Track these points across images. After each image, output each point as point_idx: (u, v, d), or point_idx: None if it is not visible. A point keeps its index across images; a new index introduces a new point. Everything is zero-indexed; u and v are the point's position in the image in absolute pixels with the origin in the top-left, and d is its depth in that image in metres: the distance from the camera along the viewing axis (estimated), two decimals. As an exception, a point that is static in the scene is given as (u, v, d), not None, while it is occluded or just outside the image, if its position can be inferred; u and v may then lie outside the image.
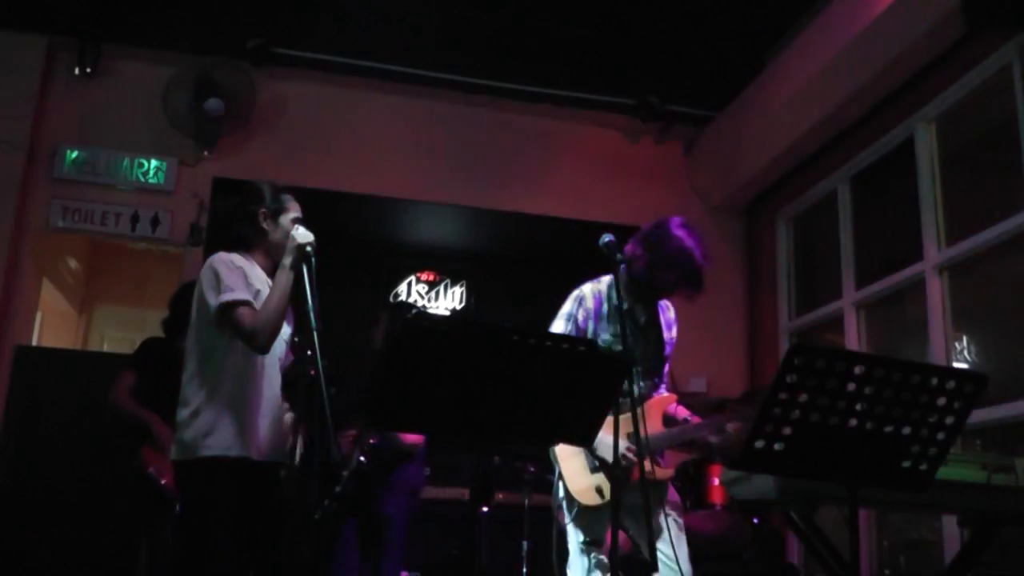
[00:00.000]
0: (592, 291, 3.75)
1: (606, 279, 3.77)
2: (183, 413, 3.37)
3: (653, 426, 3.57)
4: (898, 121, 5.65)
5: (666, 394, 3.77)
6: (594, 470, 3.60)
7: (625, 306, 3.71)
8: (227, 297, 3.28)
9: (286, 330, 3.56)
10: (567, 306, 3.75)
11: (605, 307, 3.73)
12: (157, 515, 5.07)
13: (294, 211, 3.54)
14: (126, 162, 6.51)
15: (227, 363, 3.36)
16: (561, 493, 3.70)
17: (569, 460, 3.65)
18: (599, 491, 3.56)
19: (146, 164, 6.52)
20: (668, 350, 3.79)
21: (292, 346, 3.70)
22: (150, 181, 6.53)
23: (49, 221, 6.38)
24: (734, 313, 7.33)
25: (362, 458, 4.90)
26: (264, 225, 3.48)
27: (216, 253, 3.44)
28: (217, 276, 3.32)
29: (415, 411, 2.57)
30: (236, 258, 3.42)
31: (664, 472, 3.64)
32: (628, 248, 3.70)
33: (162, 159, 6.57)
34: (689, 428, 3.70)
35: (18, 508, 5.83)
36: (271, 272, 3.50)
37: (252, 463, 3.32)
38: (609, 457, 3.46)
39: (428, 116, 7.10)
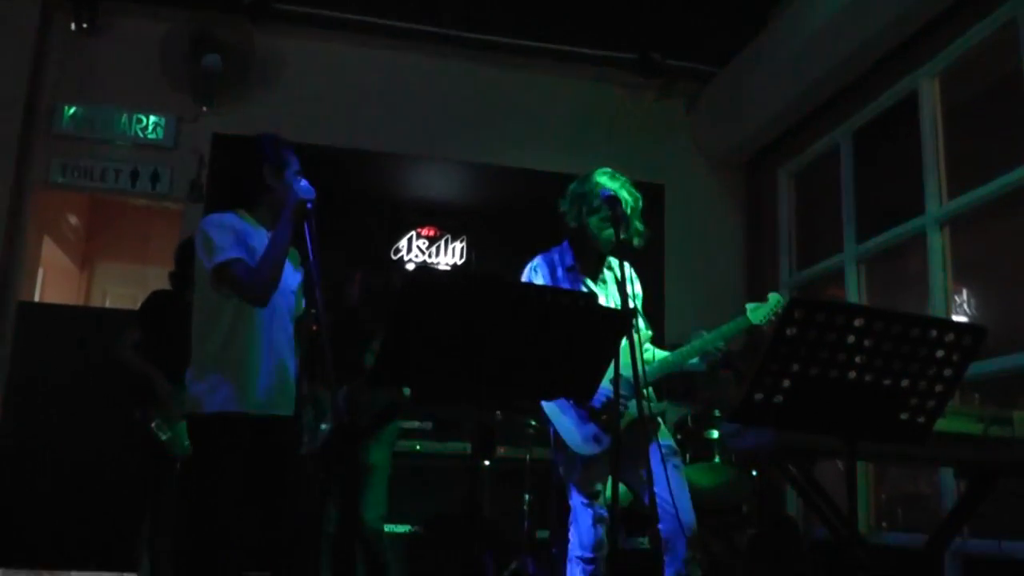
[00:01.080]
0: (543, 260, 3.85)
1: (556, 249, 3.88)
2: (189, 372, 3.42)
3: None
4: (901, 76, 5.63)
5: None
6: (585, 420, 3.64)
7: (578, 267, 3.81)
8: (219, 259, 3.29)
9: (295, 283, 3.58)
10: (524, 276, 3.84)
11: (560, 271, 3.81)
12: (161, 470, 5.13)
13: (295, 164, 3.53)
14: (124, 118, 6.48)
15: (229, 323, 3.37)
16: (559, 450, 3.74)
17: (561, 416, 3.69)
18: (596, 439, 3.61)
19: (144, 120, 6.50)
20: (632, 303, 3.77)
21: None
22: (149, 137, 6.51)
23: (49, 178, 6.38)
24: (735, 268, 7.35)
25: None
26: (269, 182, 3.46)
27: (207, 216, 3.44)
28: (208, 239, 3.33)
29: (418, 367, 2.59)
30: (227, 218, 3.42)
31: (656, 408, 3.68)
32: (561, 209, 3.82)
33: (161, 115, 6.55)
34: (670, 359, 3.75)
35: (23, 463, 5.87)
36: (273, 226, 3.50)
37: (255, 419, 3.35)
38: (597, 404, 3.53)
39: (428, 71, 7.06)
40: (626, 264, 3.77)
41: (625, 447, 3.37)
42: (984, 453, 3.23)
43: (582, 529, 3.68)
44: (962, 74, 5.34)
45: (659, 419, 3.71)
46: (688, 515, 3.49)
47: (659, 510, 3.42)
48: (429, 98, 7.02)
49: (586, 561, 3.66)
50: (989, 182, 4.91)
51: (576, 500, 3.71)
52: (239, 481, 3.30)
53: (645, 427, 3.33)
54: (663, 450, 3.59)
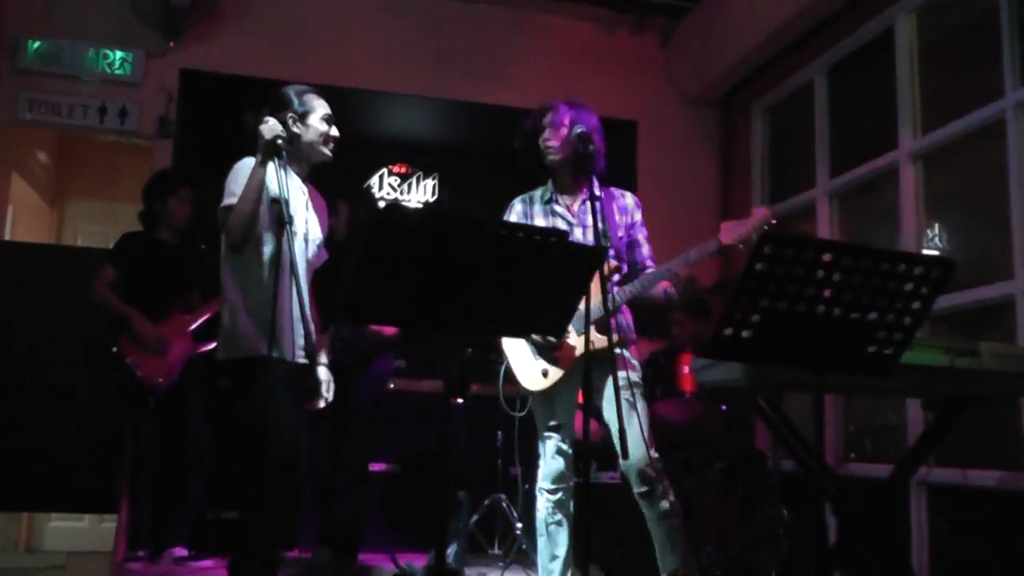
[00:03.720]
0: (521, 199, 3.97)
1: (542, 187, 3.97)
2: (221, 313, 3.53)
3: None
4: (878, 11, 5.59)
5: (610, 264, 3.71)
6: (536, 355, 3.70)
7: (555, 199, 3.89)
8: (223, 203, 3.40)
9: (317, 233, 3.63)
10: (505, 217, 3.93)
11: (536, 206, 3.90)
12: (138, 405, 5.15)
13: (322, 108, 3.65)
14: (91, 53, 6.36)
15: (246, 265, 3.46)
16: (514, 385, 3.83)
17: (515, 352, 3.79)
18: (544, 373, 3.68)
19: (111, 55, 6.38)
20: (621, 233, 3.82)
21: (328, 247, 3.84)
22: (116, 73, 6.39)
23: (16, 114, 6.26)
24: (707, 203, 7.35)
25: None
26: (294, 129, 3.56)
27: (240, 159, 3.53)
28: (226, 184, 3.45)
29: (389, 304, 2.58)
30: (249, 162, 3.45)
31: (602, 340, 3.61)
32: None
33: (127, 50, 6.42)
34: (637, 283, 3.72)
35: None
36: (306, 176, 3.66)
37: (280, 362, 3.38)
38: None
39: (400, 6, 6.95)
40: (626, 196, 3.80)
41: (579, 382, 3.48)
42: (951, 384, 3.27)
43: (545, 460, 3.79)
44: (939, 9, 5.32)
45: (623, 352, 3.69)
46: (636, 448, 3.52)
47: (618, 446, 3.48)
48: (401, 33, 6.92)
49: (548, 492, 3.77)
50: (962, 117, 4.91)
51: (539, 432, 3.80)
52: (266, 423, 3.34)
53: (603, 362, 3.37)
54: (620, 383, 3.63)
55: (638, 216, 3.89)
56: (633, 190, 4.14)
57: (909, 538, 4.85)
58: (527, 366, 3.74)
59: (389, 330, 5.25)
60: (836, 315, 2.48)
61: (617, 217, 3.82)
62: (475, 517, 5.60)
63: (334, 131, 3.67)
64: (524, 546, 5.33)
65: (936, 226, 5.23)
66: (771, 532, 4.90)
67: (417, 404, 6.18)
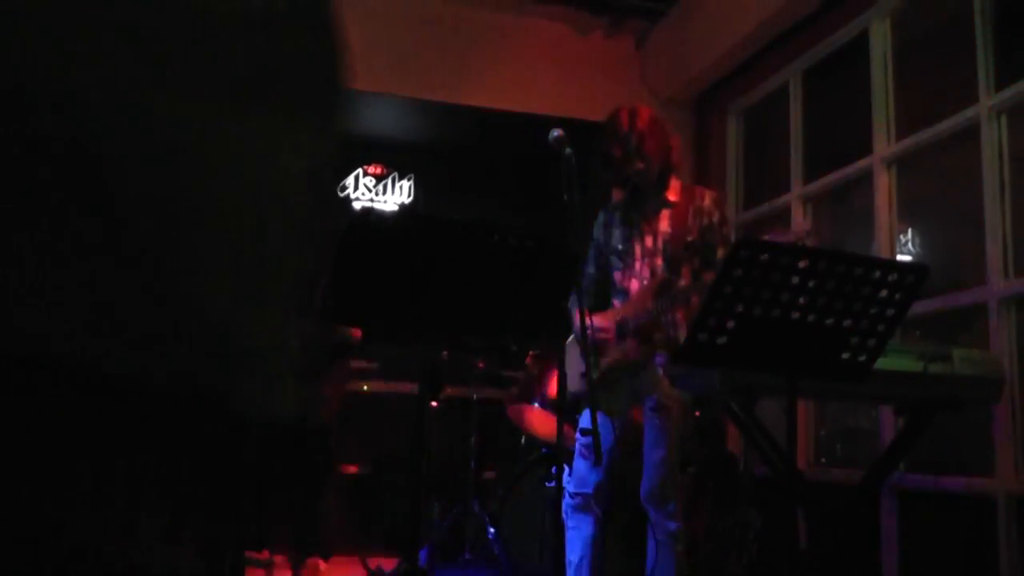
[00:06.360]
0: (603, 209, 3.95)
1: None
2: None
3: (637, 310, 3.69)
4: (853, 15, 5.61)
5: (649, 281, 3.74)
6: (580, 357, 3.70)
7: (634, 209, 3.82)
8: None
9: None
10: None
11: (615, 215, 3.87)
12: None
13: None
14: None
15: None
16: None
17: (570, 352, 3.77)
18: (580, 376, 3.68)
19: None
20: (691, 238, 3.72)
21: None
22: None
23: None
24: (682, 208, 7.34)
25: None
26: None
27: None
28: None
29: (365, 306, 2.57)
30: None
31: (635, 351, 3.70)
32: None
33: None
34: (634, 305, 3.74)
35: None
36: None
37: None
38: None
39: (374, 6, 6.91)
40: (705, 198, 3.76)
41: (625, 389, 3.65)
42: (923, 390, 3.29)
43: (574, 462, 3.81)
44: (913, 14, 5.34)
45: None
46: (653, 471, 3.62)
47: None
48: (375, 33, 6.87)
49: (569, 494, 3.76)
50: (937, 123, 4.93)
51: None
52: None
53: (634, 374, 3.54)
54: (651, 404, 3.66)
55: (716, 217, 3.77)
56: (607, 194, 4.12)
57: (879, 543, 4.87)
58: (572, 367, 3.73)
59: (355, 331, 5.24)
60: (811, 321, 2.48)
61: (689, 221, 3.74)
62: (447, 521, 5.57)
63: None
64: (496, 551, 5.30)
65: (910, 231, 5.25)
66: (742, 536, 4.90)
67: (390, 406, 6.15)
